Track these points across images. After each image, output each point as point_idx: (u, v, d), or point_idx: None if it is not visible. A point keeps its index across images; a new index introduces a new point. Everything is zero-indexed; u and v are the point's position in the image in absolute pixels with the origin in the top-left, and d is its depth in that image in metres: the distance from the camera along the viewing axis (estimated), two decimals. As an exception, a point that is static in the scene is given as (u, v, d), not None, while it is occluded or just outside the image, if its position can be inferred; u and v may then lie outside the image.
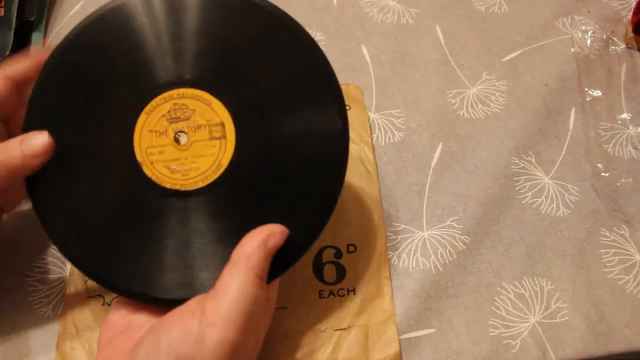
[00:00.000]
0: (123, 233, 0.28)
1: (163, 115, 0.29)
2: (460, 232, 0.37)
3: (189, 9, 0.29)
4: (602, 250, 0.37)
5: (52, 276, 0.35)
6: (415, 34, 0.47)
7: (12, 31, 0.42)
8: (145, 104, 0.29)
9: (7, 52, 0.42)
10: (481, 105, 0.43)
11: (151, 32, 0.29)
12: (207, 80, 0.29)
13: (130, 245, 0.28)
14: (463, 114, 0.42)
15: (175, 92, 0.29)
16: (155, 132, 0.29)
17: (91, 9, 0.50)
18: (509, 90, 0.43)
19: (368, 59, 0.45)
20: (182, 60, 0.29)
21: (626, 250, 0.37)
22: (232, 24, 0.29)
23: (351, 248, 0.35)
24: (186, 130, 0.29)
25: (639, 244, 0.37)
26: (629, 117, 0.42)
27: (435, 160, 0.40)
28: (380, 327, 0.33)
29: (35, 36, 0.46)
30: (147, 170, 0.28)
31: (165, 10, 0.29)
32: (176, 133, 0.29)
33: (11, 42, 0.42)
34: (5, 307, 0.34)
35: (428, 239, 0.37)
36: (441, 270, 0.36)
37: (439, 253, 0.36)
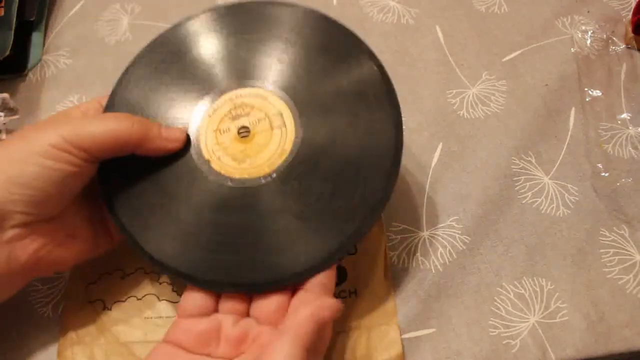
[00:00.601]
0: (195, 226, 0.29)
1: (225, 115, 0.32)
2: (460, 232, 0.37)
3: (248, 19, 0.34)
4: (602, 250, 0.37)
5: (52, 276, 0.35)
6: (415, 34, 0.47)
7: (12, 31, 0.42)
8: (207, 108, 0.32)
9: (7, 52, 0.42)
10: (481, 105, 0.43)
11: (214, 44, 0.33)
12: (263, 77, 0.32)
13: (204, 237, 0.29)
14: (463, 114, 0.42)
15: (233, 93, 0.32)
16: (219, 130, 0.31)
17: (91, 9, 0.50)
18: (509, 90, 0.43)
19: (368, 59, 0.45)
20: (241, 65, 0.33)
21: (626, 250, 0.37)
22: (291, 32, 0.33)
23: (352, 250, 0.35)
24: (248, 124, 0.31)
25: (638, 244, 0.37)
26: (629, 117, 0.42)
27: (435, 160, 0.40)
28: (382, 328, 0.33)
29: (35, 36, 0.46)
30: (215, 166, 0.31)
31: (234, 22, 0.34)
32: (239, 128, 0.31)
33: (11, 42, 0.42)
34: (5, 307, 0.34)
35: (428, 239, 0.37)
36: (441, 270, 0.36)
37: (438, 253, 0.36)
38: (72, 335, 0.33)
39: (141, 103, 0.32)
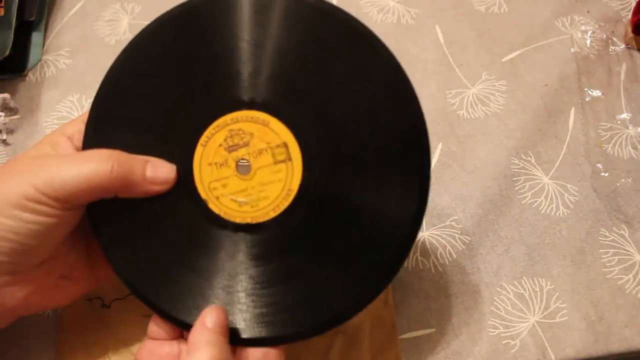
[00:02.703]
0: (193, 272, 0.27)
1: (220, 145, 0.27)
2: (459, 232, 0.37)
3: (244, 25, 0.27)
4: (601, 250, 0.37)
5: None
6: (415, 34, 0.47)
7: (12, 31, 0.42)
8: (199, 136, 0.27)
9: (7, 52, 0.42)
10: (481, 105, 0.43)
11: (196, 53, 0.27)
12: (261, 98, 0.27)
13: (203, 285, 0.27)
14: (463, 114, 0.42)
15: (228, 117, 0.27)
16: (215, 164, 0.27)
17: (91, 9, 0.50)
18: (508, 90, 0.43)
19: (368, 59, 0.45)
20: (232, 82, 0.27)
21: (626, 250, 0.37)
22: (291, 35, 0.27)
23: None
24: (247, 157, 0.27)
25: (638, 244, 0.37)
26: (628, 117, 0.42)
27: (434, 160, 0.40)
28: (379, 328, 0.33)
29: (35, 36, 0.46)
30: (214, 207, 0.27)
31: (213, 27, 0.27)
32: (237, 162, 0.27)
33: (11, 42, 0.42)
34: (5, 307, 0.34)
35: (427, 239, 0.37)
36: (440, 270, 0.36)
37: (438, 253, 0.36)
38: (71, 333, 0.33)
39: (123, 129, 0.27)
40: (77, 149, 0.29)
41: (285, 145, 0.26)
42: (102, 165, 0.25)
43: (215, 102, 0.27)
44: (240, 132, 0.27)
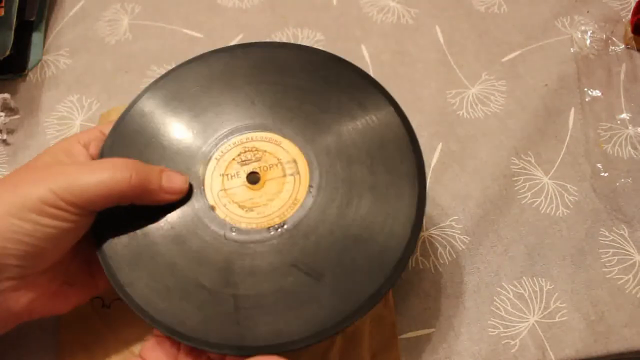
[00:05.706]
0: (192, 280, 0.27)
1: (233, 159, 0.29)
2: (459, 232, 0.37)
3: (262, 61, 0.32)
4: (601, 250, 0.37)
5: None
6: (415, 34, 0.47)
7: (12, 31, 0.42)
8: (215, 151, 0.30)
9: (7, 52, 0.42)
10: (481, 105, 0.43)
11: (219, 84, 0.31)
12: (277, 122, 0.30)
13: (204, 293, 0.27)
14: (463, 114, 0.42)
15: (244, 136, 0.30)
16: (227, 175, 0.29)
17: (91, 9, 0.50)
18: (508, 91, 0.43)
19: (368, 59, 0.45)
20: (252, 107, 0.30)
21: (625, 250, 0.37)
22: (307, 74, 0.31)
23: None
24: (258, 170, 0.29)
25: (638, 244, 0.37)
26: (628, 117, 0.42)
27: (434, 160, 0.40)
28: (379, 328, 0.33)
29: (35, 36, 0.46)
30: (220, 213, 0.28)
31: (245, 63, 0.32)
32: (249, 174, 0.29)
33: (11, 42, 0.42)
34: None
35: (427, 238, 0.37)
36: (440, 270, 0.36)
37: (438, 253, 0.36)
38: (71, 333, 0.33)
39: (146, 140, 0.30)
40: (93, 158, 0.29)
41: (295, 161, 0.29)
42: (121, 174, 0.26)
43: (232, 125, 0.30)
44: (254, 149, 0.30)
